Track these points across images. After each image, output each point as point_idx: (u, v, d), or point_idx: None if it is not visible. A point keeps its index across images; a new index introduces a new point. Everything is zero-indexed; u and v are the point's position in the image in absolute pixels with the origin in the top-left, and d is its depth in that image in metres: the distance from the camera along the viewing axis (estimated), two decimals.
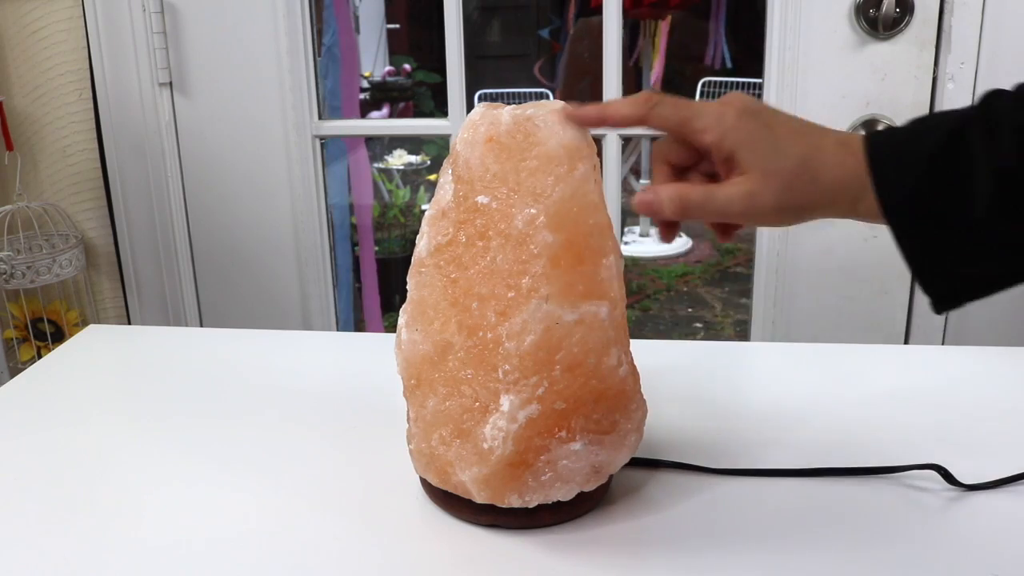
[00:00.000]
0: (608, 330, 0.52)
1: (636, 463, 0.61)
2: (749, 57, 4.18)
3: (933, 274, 0.47)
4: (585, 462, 0.54)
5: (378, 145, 4.19)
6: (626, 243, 3.68)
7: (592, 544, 0.54)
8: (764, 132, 0.48)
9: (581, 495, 0.55)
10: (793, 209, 0.49)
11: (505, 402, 0.51)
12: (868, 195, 0.47)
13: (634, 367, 0.56)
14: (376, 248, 3.04)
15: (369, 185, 2.00)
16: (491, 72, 4.88)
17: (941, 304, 0.48)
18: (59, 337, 1.32)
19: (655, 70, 3.89)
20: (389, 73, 4.73)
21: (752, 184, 0.48)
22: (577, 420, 0.53)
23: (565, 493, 0.54)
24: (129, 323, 1.31)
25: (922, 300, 1.14)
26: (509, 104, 0.56)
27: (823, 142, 0.48)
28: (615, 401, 0.54)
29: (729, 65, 4.22)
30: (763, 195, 0.48)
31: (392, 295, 2.99)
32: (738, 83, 4.33)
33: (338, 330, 1.33)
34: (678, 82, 4.43)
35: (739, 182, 0.48)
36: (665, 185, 0.51)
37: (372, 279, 2.03)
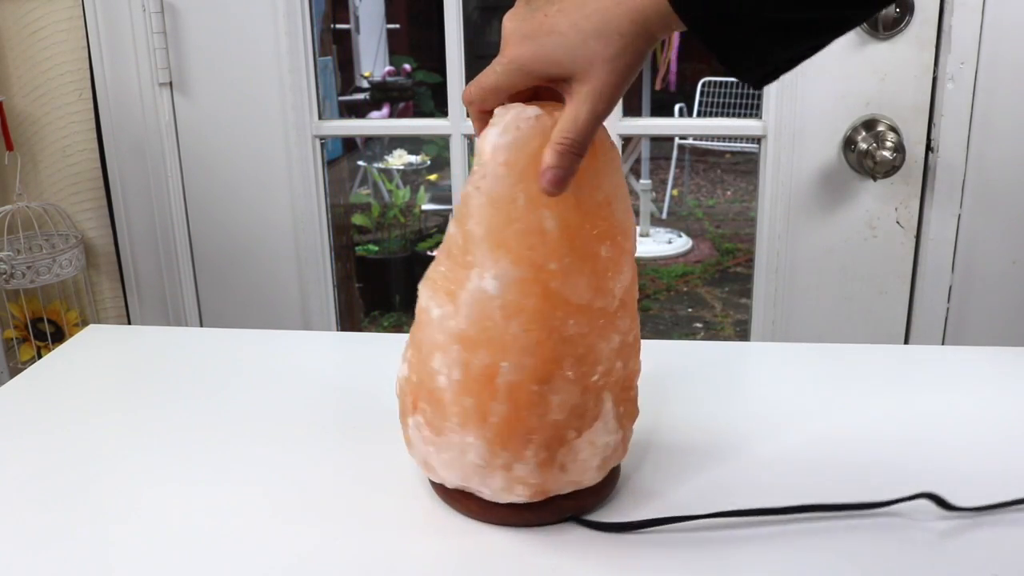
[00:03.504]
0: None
1: (624, 528, 0.60)
2: None
3: (742, 59, 0.47)
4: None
5: (378, 145, 4.19)
6: None
7: (595, 542, 0.54)
8: (552, 39, 0.49)
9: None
10: (636, 69, 0.49)
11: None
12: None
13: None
14: (376, 248, 3.05)
15: None
16: None
17: (760, 83, 0.49)
18: (59, 337, 1.32)
19: (662, 70, 3.89)
20: (389, 73, 4.73)
21: (584, 82, 0.49)
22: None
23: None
24: (129, 323, 1.31)
25: (922, 300, 1.14)
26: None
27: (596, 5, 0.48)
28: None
29: None
30: (603, 79, 0.48)
31: (392, 295, 2.99)
32: (738, 83, 4.33)
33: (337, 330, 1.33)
34: (678, 81, 4.44)
35: (578, 93, 0.49)
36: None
37: None
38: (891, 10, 1.03)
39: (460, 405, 0.53)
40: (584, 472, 0.55)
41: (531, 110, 0.51)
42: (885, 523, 0.55)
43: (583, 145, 0.49)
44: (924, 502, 0.57)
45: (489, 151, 0.51)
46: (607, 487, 0.59)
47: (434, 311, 0.53)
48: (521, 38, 0.50)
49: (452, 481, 0.56)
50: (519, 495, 0.54)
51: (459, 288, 0.52)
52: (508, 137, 0.51)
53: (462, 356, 0.52)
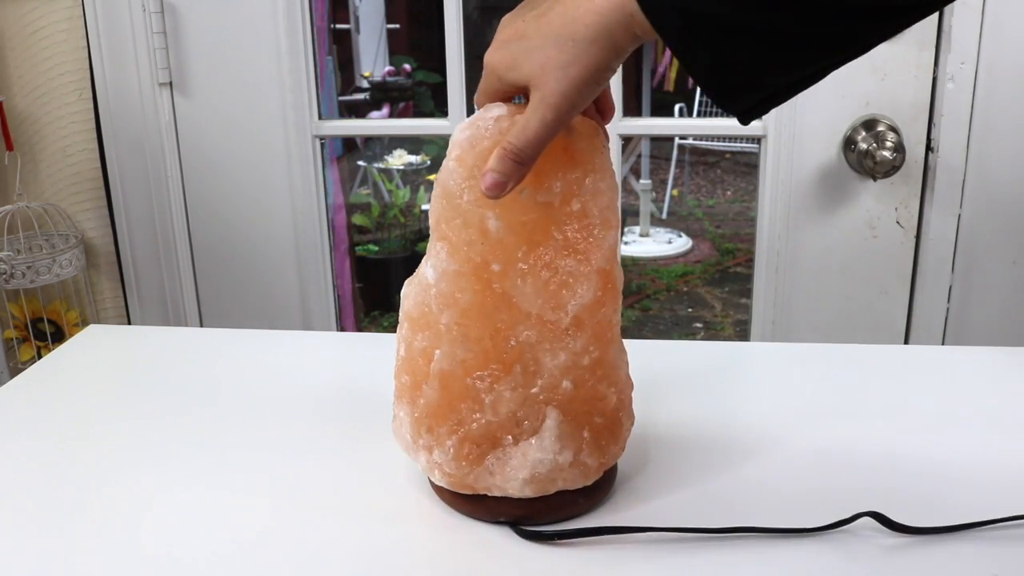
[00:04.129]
0: None
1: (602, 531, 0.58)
2: None
3: (726, 79, 0.44)
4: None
5: (378, 145, 4.19)
6: (626, 243, 3.68)
7: (601, 539, 0.54)
8: (519, 44, 0.48)
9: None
10: (595, 78, 0.47)
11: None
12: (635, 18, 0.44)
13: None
14: (376, 248, 3.05)
15: None
16: None
17: (746, 114, 0.46)
18: (59, 337, 1.32)
19: (659, 71, 3.89)
20: (389, 73, 4.73)
21: (537, 89, 0.47)
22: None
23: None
24: (129, 323, 1.31)
25: (922, 300, 1.14)
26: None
27: (563, 8, 0.46)
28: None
29: None
30: (551, 87, 0.46)
31: (392, 295, 2.99)
32: None
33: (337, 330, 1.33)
34: (678, 81, 4.43)
35: (532, 100, 0.48)
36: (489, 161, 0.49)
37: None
38: None
39: (400, 380, 0.56)
40: (509, 481, 0.54)
41: (495, 110, 0.51)
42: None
43: (528, 154, 0.48)
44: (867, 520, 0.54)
45: (450, 145, 0.52)
46: (562, 507, 0.56)
47: (404, 288, 0.56)
48: (499, 42, 0.50)
49: (401, 448, 0.58)
50: (439, 480, 0.55)
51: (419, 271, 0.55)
52: (466, 134, 0.51)
53: (408, 335, 0.55)
